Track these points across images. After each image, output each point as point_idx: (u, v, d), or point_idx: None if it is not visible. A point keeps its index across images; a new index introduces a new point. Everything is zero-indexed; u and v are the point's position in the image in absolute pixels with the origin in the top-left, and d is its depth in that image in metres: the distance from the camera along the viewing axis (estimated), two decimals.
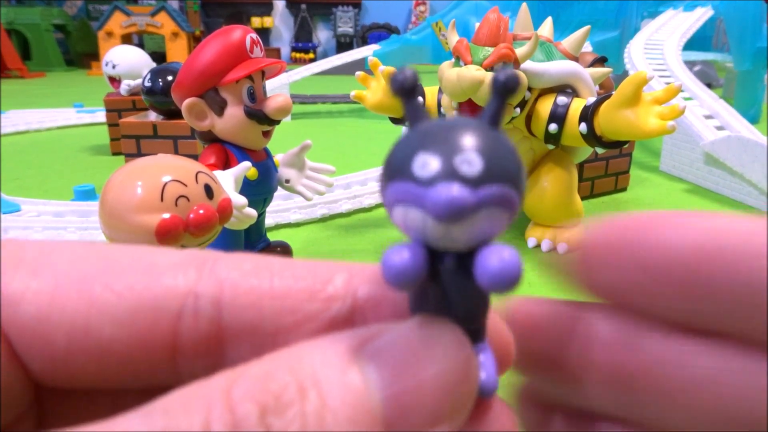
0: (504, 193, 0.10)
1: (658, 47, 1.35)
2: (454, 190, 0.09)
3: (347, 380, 0.09)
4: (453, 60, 0.60)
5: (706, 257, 0.10)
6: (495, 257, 0.10)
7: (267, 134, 0.52)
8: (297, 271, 0.11)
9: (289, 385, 0.09)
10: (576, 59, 0.64)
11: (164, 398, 0.09)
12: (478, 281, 0.10)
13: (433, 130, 0.10)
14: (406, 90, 0.10)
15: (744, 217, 0.10)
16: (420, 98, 0.11)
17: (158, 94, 0.93)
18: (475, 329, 0.11)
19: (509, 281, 0.10)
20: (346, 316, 0.11)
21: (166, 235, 0.32)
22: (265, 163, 0.53)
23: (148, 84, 0.94)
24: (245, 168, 0.47)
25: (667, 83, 1.07)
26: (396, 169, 0.10)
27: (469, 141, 0.10)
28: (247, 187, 0.49)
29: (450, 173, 0.10)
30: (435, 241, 0.10)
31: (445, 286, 0.11)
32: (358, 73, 0.65)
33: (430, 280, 0.11)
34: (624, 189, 0.98)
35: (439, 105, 0.66)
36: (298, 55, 4.69)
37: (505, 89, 0.10)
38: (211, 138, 0.51)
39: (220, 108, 0.49)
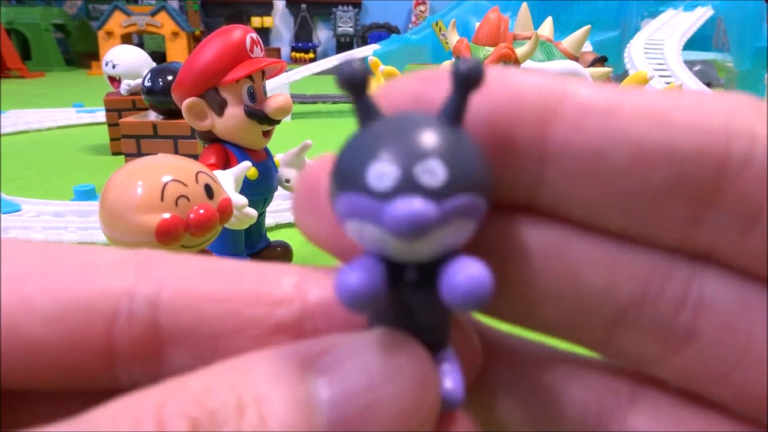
0: (470, 202, 0.09)
1: (659, 47, 1.35)
2: (416, 205, 0.08)
3: (293, 396, 0.09)
4: (453, 60, 0.60)
5: None
6: (462, 275, 0.09)
7: (267, 134, 0.52)
8: (243, 274, 0.11)
9: (227, 401, 0.09)
10: (576, 59, 0.64)
11: (93, 411, 0.09)
12: (444, 298, 0.09)
13: (388, 133, 0.09)
14: (356, 85, 0.09)
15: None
16: (368, 95, 0.09)
17: (158, 94, 0.93)
18: (437, 339, 0.10)
19: (478, 299, 0.09)
20: (293, 322, 0.10)
21: (167, 235, 0.32)
22: (265, 163, 0.53)
23: (148, 84, 0.94)
24: (245, 168, 0.47)
25: (668, 83, 1.07)
26: (347, 178, 0.09)
27: (430, 146, 0.09)
28: (247, 187, 0.49)
29: (410, 185, 0.08)
30: (395, 255, 0.09)
31: (406, 298, 0.10)
32: None
33: (389, 291, 0.09)
34: None
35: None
36: (298, 54, 4.69)
37: (467, 82, 0.09)
38: (211, 138, 0.51)
39: (220, 108, 0.49)
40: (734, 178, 0.08)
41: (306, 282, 0.11)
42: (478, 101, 0.09)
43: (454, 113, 0.09)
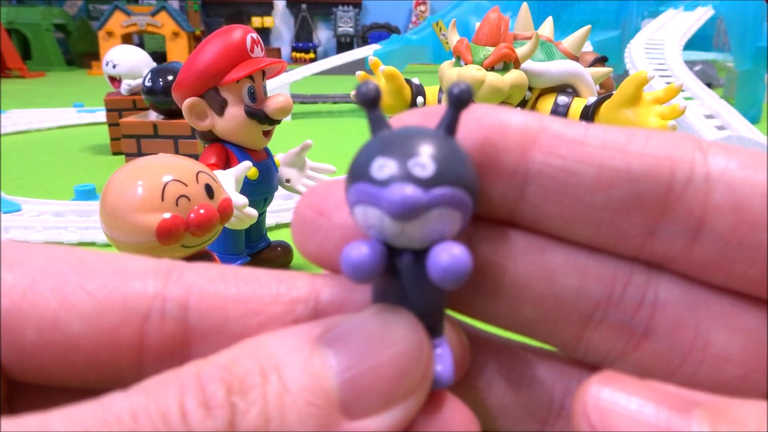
0: (455, 194, 0.11)
1: (659, 47, 1.35)
2: (407, 190, 0.10)
3: (306, 365, 0.10)
4: (453, 60, 0.60)
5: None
6: (445, 253, 0.10)
7: (267, 134, 0.52)
8: (261, 278, 0.12)
9: (252, 369, 0.10)
10: (576, 59, 0.64)
11: (142, 382, 0.10)
12: (430, 276, 0.11)
13: (392, 138, 0.11)
14: (369, 101, 0.11)
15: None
16: (379, 109, 0.11)
17: (159, 94, 0.94)
18: (432, 324, 0.12)
19: (458, 276, 0.10)
20: (309, 318, 0.12)
21: (167, 235, 0.32)
22: (265, 163, 0.53)
23: (148, 84, 0.94)
24: (246, 168, 0.47)
25: (668, 83, 1.07)
26: (357, 171, 0.11)
27: (423, 147, 0.11)
28: (247, 187, 0.49)
29: (404, 175, 0.10)
30: (392, 238, 0.11)
31: (403, 281, 0.11)
32: (358, 72, 0.65)
33: (389, 277, 0.11)
34: None
35: (439, 104, 0.66)
36: (298, 54, 4.69)
37: (458, 102, 0.11)
38: (211, 138, 0.51)
39: (220, 108, 0.49)
40: (679, 195, 0.10)
41: (318, 284, 0.12)
42: (473, 131, 0.12)
43: (447, 126, 0.11)
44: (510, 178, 0.11)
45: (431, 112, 0.12)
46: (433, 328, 0.12)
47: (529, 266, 0.12)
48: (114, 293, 0.11)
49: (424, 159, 0.11)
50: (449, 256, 0.10)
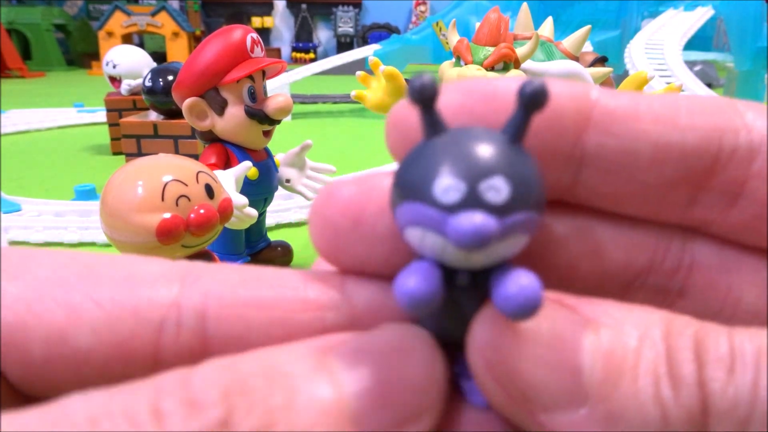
0: (529, 218, 0.10)
1: (659, 47, 1.35)
2: (479, 219, 0.09)
3: (315, 375, 0.09)
4: (453, 60, 0.60)
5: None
6: (514, 286, 0.09)
7: (267, 134, 0.52)
8: (287, 280, 0.11)
9: (257, 374, 0.09)
10: (576, 59, 0.64)
11: (132, 384, 0.09)
12: (498, 308, 0.09)
13: (454, 147, 0.09)
14: (425, 98, 0.09)
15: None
16: (436, 108, 0.09)
17: (159, 94, 0.94)
18: None
19: (529, 309, 0.09)
20: (342, 327, 0.11)
21: (167, 235, 0.32)
22: (265, 163, 0.53)
23: (148, 84, 0.94)
24: (246, 168, 0.47)
25: (668, 83, 1.07)
26: (414, 188, 0.09)
27: (495, 163, 0.09)
28: (247, 187, 0.49)
29: (475, 201, 0.09)
30: (452, 263, 0.10)
31: (457, 300, 0.10)
32: (358, 72, 0.65)
33: (451, 298, 0.10)
34: None
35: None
36: (298, 54, 4.69)
37: (533, 102, 0.09)
38: (211, 138, 0.51)
39: (220, 108, 0.49)
40: (724, 165, 0.11)
41: (351, 286, 0.11)
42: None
43: (516, 131, 0.09)
44: (566, 162, 0.11)
45: (474, 89, 0.11)
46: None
47: (580, 246, 0.12)
48: (124, 303, 0.10)
49: (498, 182, 0.09)
50: (519, 288, 0.09)
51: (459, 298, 0.10)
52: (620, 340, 0.10)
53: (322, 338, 0.10)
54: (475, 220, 0.09)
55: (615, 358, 0.10)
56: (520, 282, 0.09)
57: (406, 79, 0.64)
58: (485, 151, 0.09)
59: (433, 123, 0.10)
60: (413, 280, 0.09)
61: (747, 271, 0.12)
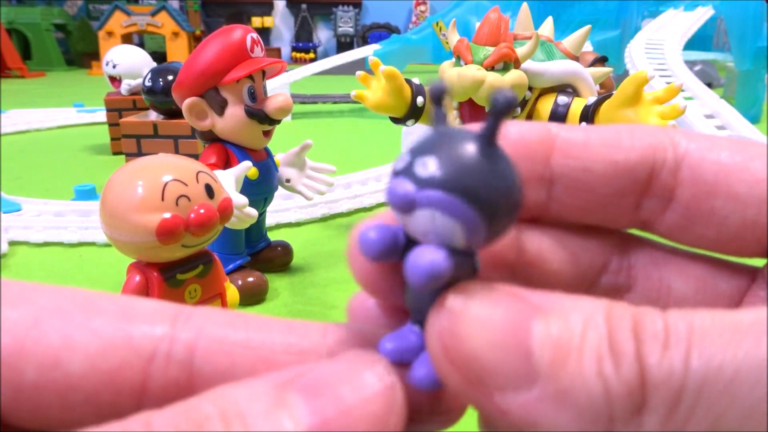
0: (447, 200, 0.11)
1: (659, 47, 1.35)
2: (400, 187, 0.11)
3: (272, 412, 0.10)
4: (453, 59, 0.60)
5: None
6: (414, 255, 0.11)
7: (267, 134, 0.52)
8: (272, 325, 0.12)
9: (212, 415, 0.10)
10: (576, 59, 0.64)
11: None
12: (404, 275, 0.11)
13: (431, 135, 0.12)
14: (439, 97, 0.12)
15: None
16: (443, 106, 0.11)
17: (159, 94, 0.93)
18: (423, 320, 0.12)
19: (420, 278, 0.11)
20: None
21: (167, 235, 0.32)
22: (265, 163, 0.53)
23: (148, 83, 0.94)
24: (246, 167, 0.47)
25: (668, 83, 1.07)
26: (396, 158, 0.12)
27: (439, 149, 0.11)
28: (247, 187, 0.49)
29: (407, 171, 0.11)
30: (404, 228, 0.12)
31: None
32: (358, 72, 0.65)
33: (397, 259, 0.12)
34: None
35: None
36: (298, 54, 4.69)
37: (501, 111, 0.11)
38: (211, 137, 0.51)
39: (220, 107, 0.49)
40: (658, 175, 0.13)
41: (330, 334, 0.12)
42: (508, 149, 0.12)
43: (489, 133, 0.11)
44: (540, 183, 0.14)
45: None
46: (422, 320, 0.12)
47: (561, 254, 0.15)
48: (119, 333, 0.11)
49: (430, 160, 0.11)
50: (414, 257, 0.11)
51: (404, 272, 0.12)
52: (566, 324, 0.11)
53: (281, 372, 0.11)
54: (401, 184, 0.11)
55: (562, 340, 0.11)
56: (420, 253, 0.11)
57: (406, 79, 0.64)
58: (443, 139, 0.11)
59: (438, 118, 0.12)
60: (373, 232, 0.12)
61: (674, 266, 0.15)
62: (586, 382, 0.10)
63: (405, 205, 0.11)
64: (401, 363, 0.12)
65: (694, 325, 0.11)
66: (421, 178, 0.11)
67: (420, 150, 0.11)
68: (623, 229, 0.15)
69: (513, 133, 0.14)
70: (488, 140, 0.11)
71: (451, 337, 0.11)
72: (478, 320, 0.11)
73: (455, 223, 0.11)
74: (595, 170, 0.13)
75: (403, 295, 0.13)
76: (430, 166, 0.11)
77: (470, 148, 0.11)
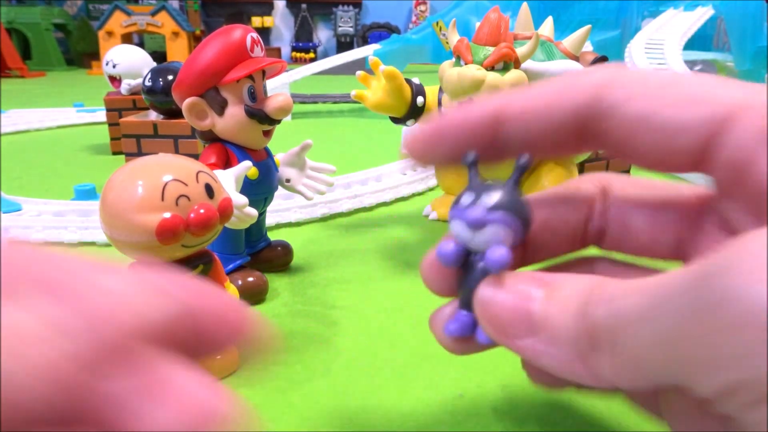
0: (506, 217, 0.19)
1: (659, 47, 1.35)
2: (474, 213, 0.19)
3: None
4: (453, 59, 0.60)
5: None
6: (493, 251, 0.19)
7: (268, 134, 0.52)
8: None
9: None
10: (577, 59, 0.64)
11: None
12: (485, 262, 0.19)
13: (478, 185, 0.20)
14: (472, 163, 0.20)
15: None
16: (476, 168, 0.21)
17: (159, 94, 0.93)
18: (471, 301, 0.20)
19: (499, 264, 0.18)
20: None
21: (167, 235, 0.32)
22: (265, 163, 0.53)
23: (148, 83, 0.94)
24: (246, 167, 0.47)
25: None
26: (454, 202, 0.20)
27: (493, 189, 0.19)
28: (247, 187, 0.49)
29: (477, 202, 0.19)
30: (468, 242, 0.19)
31: (470, 271, 0.20)
32: (358, 72, 0.65)
33: (464, 269, 0.20)
34: None
35: (439, 104, 0.66)
36: (298, 54, 4.69)
37: (523, 168, 0.19)
38: (211, 137, 0.51)
39: (220, 107, 0.49)
40: (591, 126, 0.20)
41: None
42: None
43: (514, 182, 0.19)
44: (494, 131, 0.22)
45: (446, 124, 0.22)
46: (470, 304, 0.20)
47: (556, 226, 0.24)
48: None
49: (492, 195, 0.19)
50: (491, 254, 0.18)
51: (469, 268, 0.20)
52: (557, 294, 0.18)
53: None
54: (476, 210, 0.19)
55: (557, 300, 0.17)
56: (497, 250, 0.19)
57: (406, 79, 0.64)
58: (489, 186, 0.19)
59: (473, 176, 0.20)
60: (446, 246, 0.20)
61: (630, 204, 0.23)
62: (566, 331, 0.16)
63: (478, 224, 0.19)
64: (463, 335, 0.20)
65: (617, 289, 0.16)
66: (489, 206, 0.19)
67: (478, 190, 0.19)
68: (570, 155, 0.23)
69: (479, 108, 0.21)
70: (516, 185, 0.20)
71: (486, 304, 0.19)
72: (500, 298, 0.18)
73: (510, 231, 0.19)
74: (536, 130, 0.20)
75: (455, 291, 0.21)
76: (492, 200, 0.19)
77: (509, 190, 0.19)
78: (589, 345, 0.16)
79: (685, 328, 0.13)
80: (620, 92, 0.18)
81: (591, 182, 0.24)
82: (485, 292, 0.19)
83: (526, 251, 0.23)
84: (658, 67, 1.22)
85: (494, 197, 0.19)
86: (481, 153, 0.20)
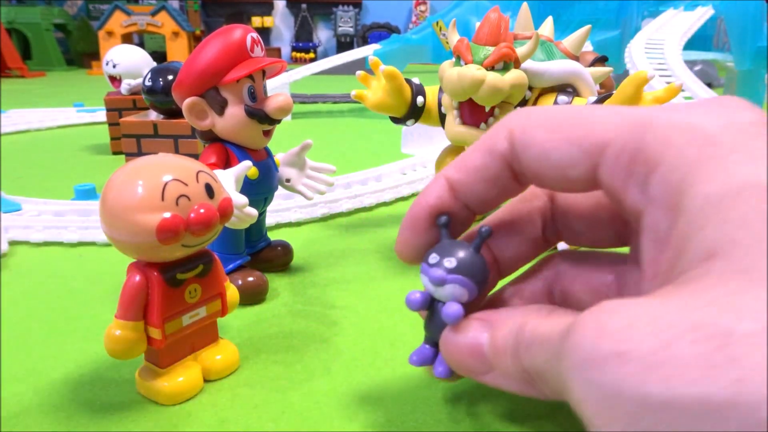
0: (464, 281, 0.25)
1: (659, 47, 1.35)
2: (438, 272, 0.25)
3: None
4: (453, 59, 0.60)
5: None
6: (446, 307, 0.25)
7: (268, 133, 0.52)
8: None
9: None
10: (576, 58, 0.64)
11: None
12: (440, 314, 0.26)
13: (445, 244, 0.26)
14: (444, 225, 0.26)
15: None
16: (448, 229, 0.28)
17: (159, 94, 0.93)
18: (438, 340, 0.27)
19: (450, 319, 0.25)
20: None
21: (167, 235, 0.32)
22: (265, 163, 0.53)
23: (148, 83, 0.94)
24: (246, 167, 0.47)
25: (668, 83, 1.07)
26: (425, 257, 0.26)
27: (455, 253, 0.25)
28: (247, 187, 0.49)
29: (439, 264, 0.25)
30: (433, 293, 0.26)
31: (434, 315, 0.27)
32: (358, 72, 0.65)
33: (431, 312, 0.27)
34: None
35: (439, 104, 0.66)
36: (298, 54, 4.69)
37: (484, 238, 0.26)
38: (211, 137, 0.51)
39: (220, 107, 0.49)
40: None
41: None
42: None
43: (476, 246, 0.25)
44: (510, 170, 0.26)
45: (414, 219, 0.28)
46: (433, 341, 0.28)
47: (510, 244, 0.30)
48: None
49: (452, 259, 0.25)
50: (447, 308, 0.25)
51: (434, 314, 0.27)
52: (498, 330, 0.23)
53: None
54: (438, 272, 0.25)
55: (496, 339, 0.23)
56: (451, 307, 0.25)
57: (406, 79, 0.64)
58: (455, 248, 0.25)
59: (445, 235, 0.26)
60: (413, 295, 0.27)
61: (572, 196, 0.28)
62: (510, 369, 0.22)
63: (439, 282, 0.25)
64: (423, 365, 0.28)
65: (534, 335, 0.21)
66: (448, 269, 0.25)
67: (443, 252, 0.25)
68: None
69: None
70: (477, 249, 0.25)
71: (450, 347, 0.25)
72: (458, 343, 0.25)
73: (465, 290, 0.25)
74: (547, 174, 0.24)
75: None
76: (452, 263, 0.25)
77: (470, 255, 0.25)
78: (528, 379, 0.21)
79: (561, 370, 0.17)
80: (525, 137, 0.23)
81: (541, 194, 0.28)
82: (447, 339, 0.25)
83: (500, 268, 0.29)
84: (659, 68, 1.22)
85: (454, 261, 0.24)
86: (452, 217, 0.26)
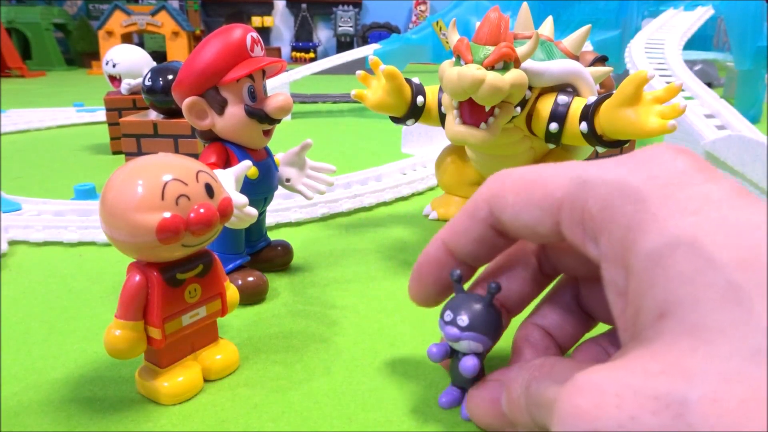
0: (477, 337, 0.29)
1: (659, 46, 1.35)
2: (453, 331, 0.30)
3: None
4: (453, 59, 0.60)
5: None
6: (463, 361, 0.30)
7: (267, 133, 0.52)
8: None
9: None
10: (576, 58, 0.64)
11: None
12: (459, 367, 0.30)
13: (458, 299, 0.30)
14: (457, 281, 0.30)
15: None
16: (461, 284, 0.32)
17: (159, 93, 0.93)
18: (464, 384, 0.32)
19: (467, 372, 0.30)
20: None
21: (167, 234, 0.32)
22: (265, 162, 0.53)
23: (148, 83, 0.94)
24: (246, 167, 0.47)
25: (668, 82, 1.07)
26: (441, 312, 0.31)
27: (468, 310, 0.29)
28: (247, 186, 0.49)
29: (453, 322, 0.30)
30: (452, 346, 0.31)
31: (455, 364, 0.31)
32: (358, 72, 0.65)
33: (454, 360, 0.32)
34: None
35: (439, 104, 0.66)
36: (298, 54, 4.69)
37: (494, 293, 0.29)
38: (211, 137, 0.51)
39: (220, 107, 0.49)
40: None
41: None
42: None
43: (487, 304, 0.30)
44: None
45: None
46: (463, 387, 0.32)
47: (516, 284, 0.33)
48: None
49: (464, 316, 0.29)
50: (464, 363, 0.29)
51: (455, 363, 0.31)
52: (511, 394, 0.27)
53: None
54: (451, 330, 0.30)
55: (511, 399, 0.27)
56: (467, 361, 0.30)
57: (406, 79, 0.64)
58: (468, 303, 0.30)
59: (458, 289, 0.31)
60: (434, 347, 0.32)
61: (569, 258, 0.31)
62: (528, 425, 0.26)
63: (455, 339, 0.29)
64: (452, 407, 0.33)
65: (539, 394, 0.24)
66: (462, 326, 0.29)
67: (456, 309, 0.29)
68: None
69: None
70: (489, 303, 0.29)
71: (474, 411, 0.31)
72: (479, 401, 0.30)
73: (479, 344, 0.29)
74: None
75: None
76: (464, 321, 0.29)
77: (481, 310, 0.29)
78: (532, 424, 0.26)
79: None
80: (500, 201, 0.26)
81: None
82: (471, 396, 0.31)
83: (508, 308, 0.32)
84: (659, 68, 1.22)
85: (467, 319, 0.29)
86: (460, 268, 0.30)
